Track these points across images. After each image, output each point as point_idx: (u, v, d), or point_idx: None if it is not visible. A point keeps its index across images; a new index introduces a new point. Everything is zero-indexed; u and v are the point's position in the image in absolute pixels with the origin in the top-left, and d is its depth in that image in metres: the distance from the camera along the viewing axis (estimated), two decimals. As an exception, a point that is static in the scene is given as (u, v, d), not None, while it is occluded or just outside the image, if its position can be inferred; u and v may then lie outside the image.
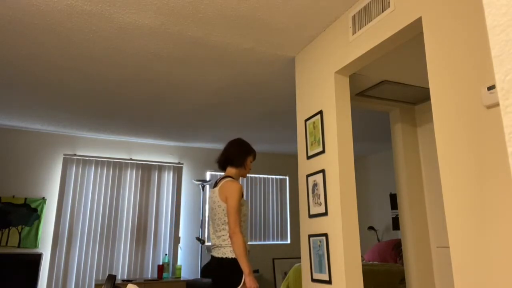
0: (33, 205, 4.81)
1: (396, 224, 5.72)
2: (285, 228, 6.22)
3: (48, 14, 2.50)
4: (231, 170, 2.55)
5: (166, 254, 5.35)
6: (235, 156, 2.52)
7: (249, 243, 5.76)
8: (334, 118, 2.51)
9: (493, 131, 1.51)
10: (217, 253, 2.39)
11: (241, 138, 2.65)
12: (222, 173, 5.99)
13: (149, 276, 5.21)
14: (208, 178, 5.91)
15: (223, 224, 2.38)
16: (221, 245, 2.37)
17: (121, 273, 5.10)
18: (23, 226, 4.72)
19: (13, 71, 3.33)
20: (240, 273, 2.30)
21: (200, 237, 5.58)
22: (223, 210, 2.38)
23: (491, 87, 1.52)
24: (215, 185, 2.54)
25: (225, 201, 2.37)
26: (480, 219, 1.52)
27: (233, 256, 2.32)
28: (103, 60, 3.14)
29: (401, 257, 4.61)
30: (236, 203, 2.32)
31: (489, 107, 1.53)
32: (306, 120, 2.81)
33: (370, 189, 6.36)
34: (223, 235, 2.38)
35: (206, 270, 4.99)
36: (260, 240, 5.97)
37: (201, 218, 5.70)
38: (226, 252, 2.35)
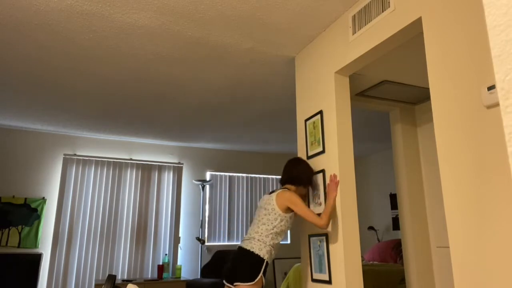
0: (33, 205, 4.81)
1: (396, 224, 5.72)
2: (285, 228, 6.21)
3: (48, 14, 2.50)
4: (290, 186, 2.60)
5: (166, 254, 5.35)
6: (295, 175, 2.57)
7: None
8: (334, 118, 2.51)
9: (493, 131, 1.51)
10: (246, 245, 2.44)
11: (300, 157, 2.70)
12: (222, 173, 6.00)
13: (149, 276, 5.21)
14: (208, 178, 5.91)
15: (268, 224, 2.45)
16: (254, 237, 2.43)
17: (121, 273, 5.10)
18: (23, 226, 4.72)
19: (13, 71, 3.33)
20: (257, 272, 2.34)
21: (200, 237, 5.58)
22: (275, 214, 2.45)
23: (491, 87, 1.52)
24: (271, 192, 2.60)
25: (280, 207, 2.45)
26: (480, 219, 1.52)
27: (258, 253, 2.37)
28: (103, 60, 3.14)
29: (401, 257, 4.61)
30: (301, 204, 2.40)
31: (489, 107, 1.53)
32: (306, 120, 2.81)
33: (370, 189, 6.35)
34: (262, 232, 2.44)
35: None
36: (260, 240, 5.97)
37: (201, 218, 5.70)
38: (254, 246, 2.40)
